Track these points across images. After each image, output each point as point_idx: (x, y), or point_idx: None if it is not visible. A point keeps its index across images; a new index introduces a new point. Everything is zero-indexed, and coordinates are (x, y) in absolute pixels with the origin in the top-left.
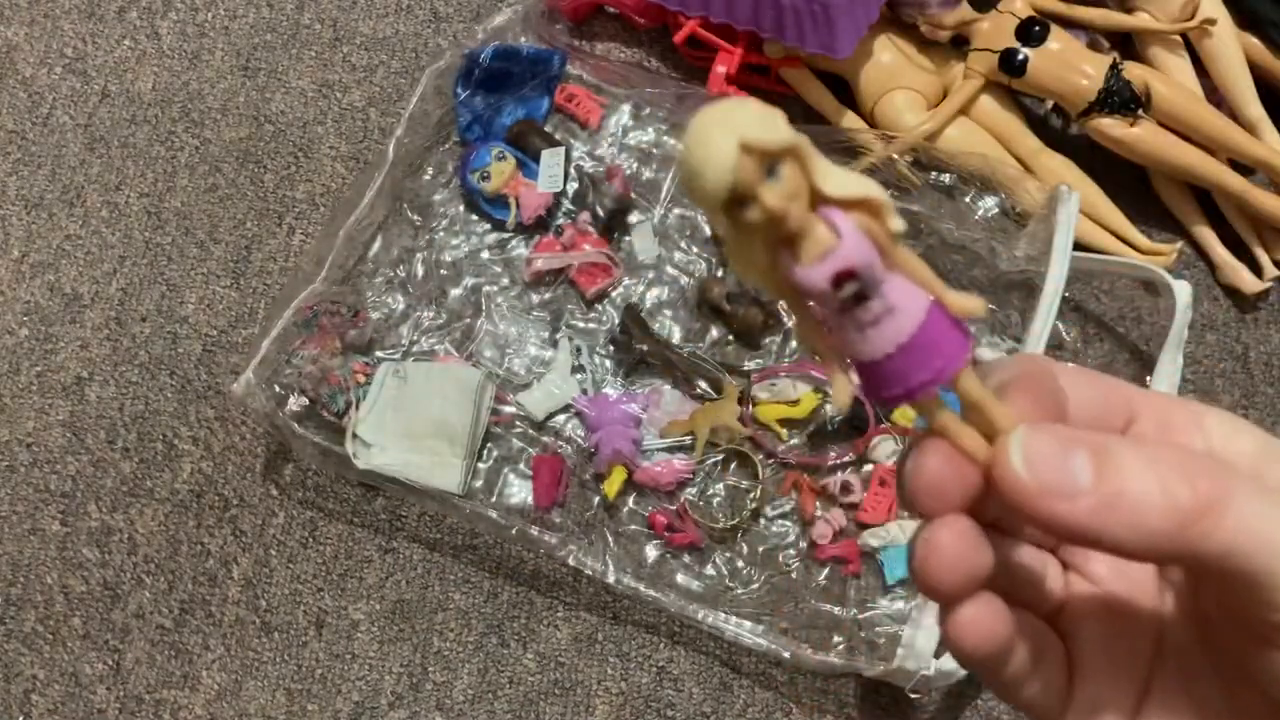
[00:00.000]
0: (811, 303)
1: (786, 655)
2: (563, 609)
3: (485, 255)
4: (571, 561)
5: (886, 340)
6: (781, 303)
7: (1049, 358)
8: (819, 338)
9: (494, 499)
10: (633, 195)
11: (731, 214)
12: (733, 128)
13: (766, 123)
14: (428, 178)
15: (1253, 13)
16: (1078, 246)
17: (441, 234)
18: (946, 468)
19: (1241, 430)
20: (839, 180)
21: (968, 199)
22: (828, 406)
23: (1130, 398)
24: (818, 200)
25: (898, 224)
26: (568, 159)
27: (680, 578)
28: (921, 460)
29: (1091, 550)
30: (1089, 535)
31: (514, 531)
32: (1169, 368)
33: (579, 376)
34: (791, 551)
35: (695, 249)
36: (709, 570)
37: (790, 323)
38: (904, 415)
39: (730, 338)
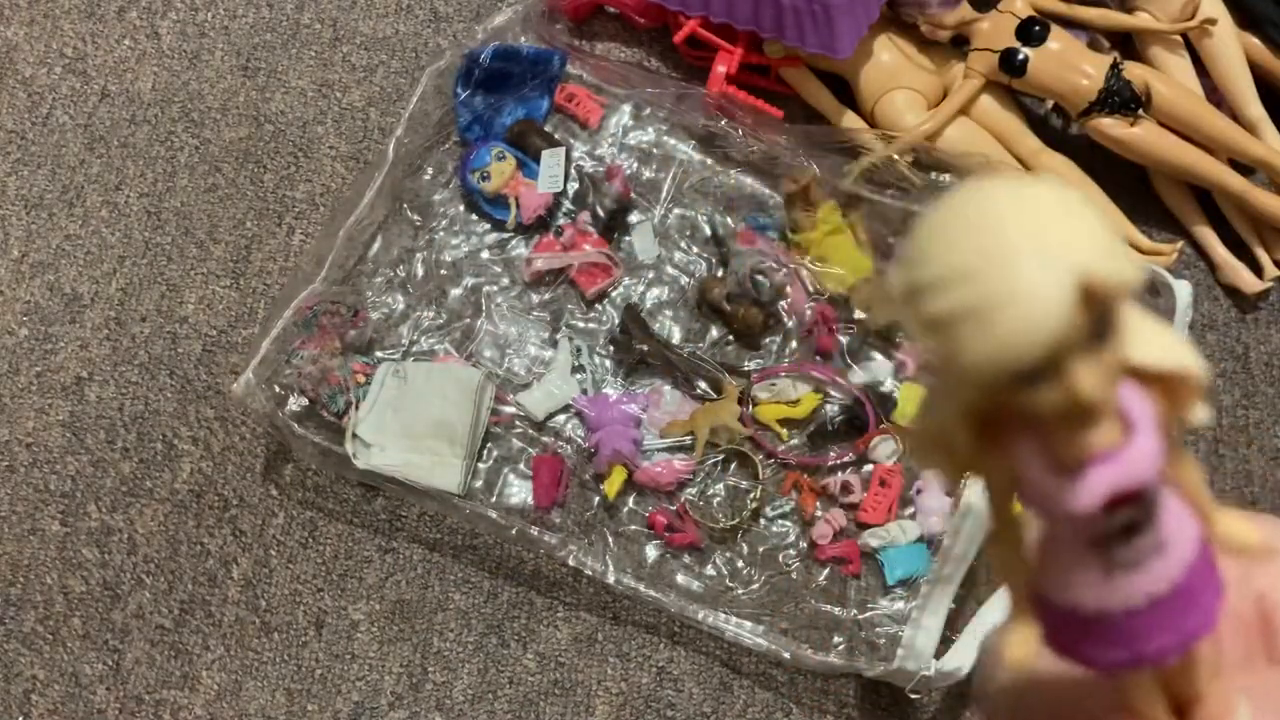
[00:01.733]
0: (1045, 521)
1: (786, 655)
2: (563, 609)
3: (485, 255)
4: (571, 562)
5: (1141, 590)
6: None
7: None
8: (1018, 568)
9: (494, 499)
10: (633, 195)
11: (1001, 398)
12: (1066, 252)
13: (1108, 240)
14: (428, 178)
15: (1252, 12)
16: None
17: (441, 234)
18: None
19: None
20: (1154, 348)
21: None
22: (828, 407)
23: None
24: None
25: (1204, 416)
26: (568, 159)
27: (680, 578)
28: None
29: None
30: None
31: (514, 532)
32: None
33: (579, 376)
34: (792, 552)
35: (695, 249)
36: (709, 570)
37: (793, 337)
38: (902, 414)
39: (730, 338)
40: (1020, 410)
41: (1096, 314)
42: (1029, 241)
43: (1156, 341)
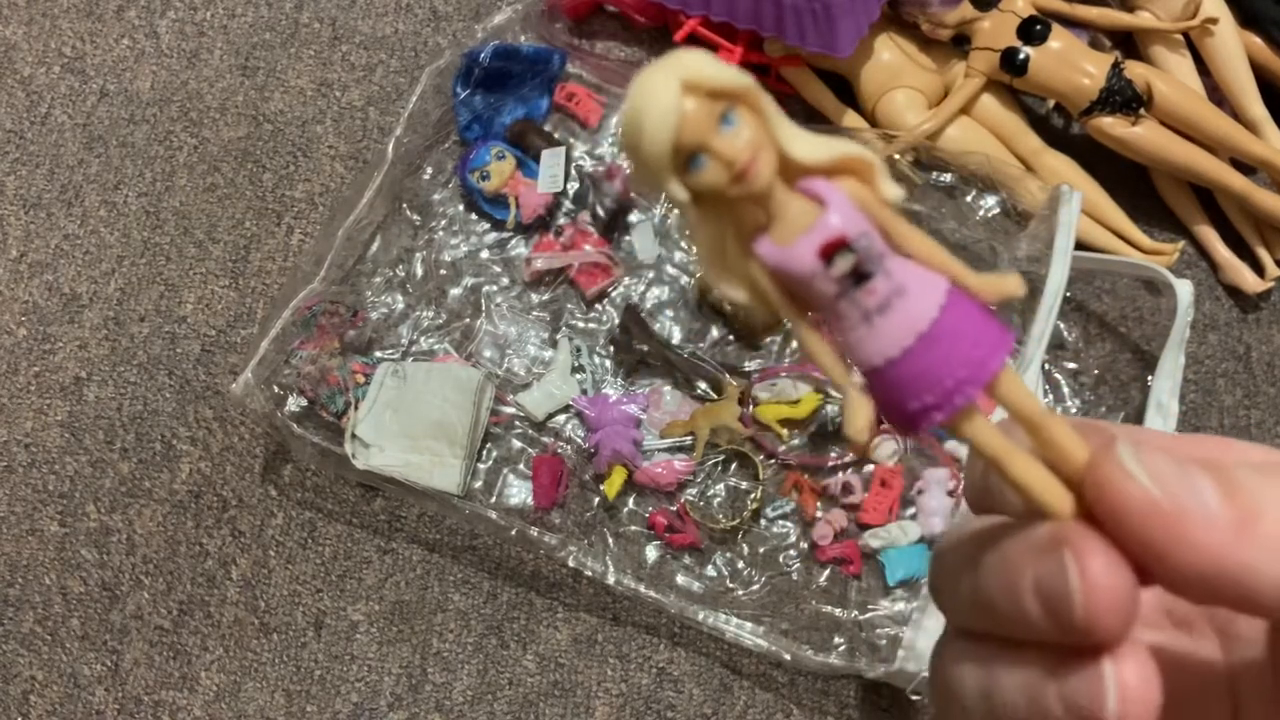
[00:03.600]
0: (806, 301)
1: (787, 657)
2: (562, 610)
3: (485, 255)
4: (571, 562)
5: (902, 329)
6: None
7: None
8: (819, 345)
9: (493, 500)
10: (633, 195)
11: (687, 182)
12: (675, 70)
13: (715, 66)
14: (427, 177)
15: (1254, 11)
16: (1079, 245)
17: (441, 234)
18: (1124, 575)
19: None
20: (809, 143)
21: (969, 199)
22: (829, 407)
23: (1172, 444)
24: (789, 173)
25: (892, 190)
26: (568, 158)
27: (680, 579)
28: (1093, 569)
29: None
30: (1229, 573)
31: (513, 532)
32: (1171, 367)
33: (579, 377)
34: (792, 552)
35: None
36: (709, 571)
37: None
38: None
39: (731, 338)
40: (710, 202)
41: (710, 104)
42: (658, 73)
43: (815, 143)
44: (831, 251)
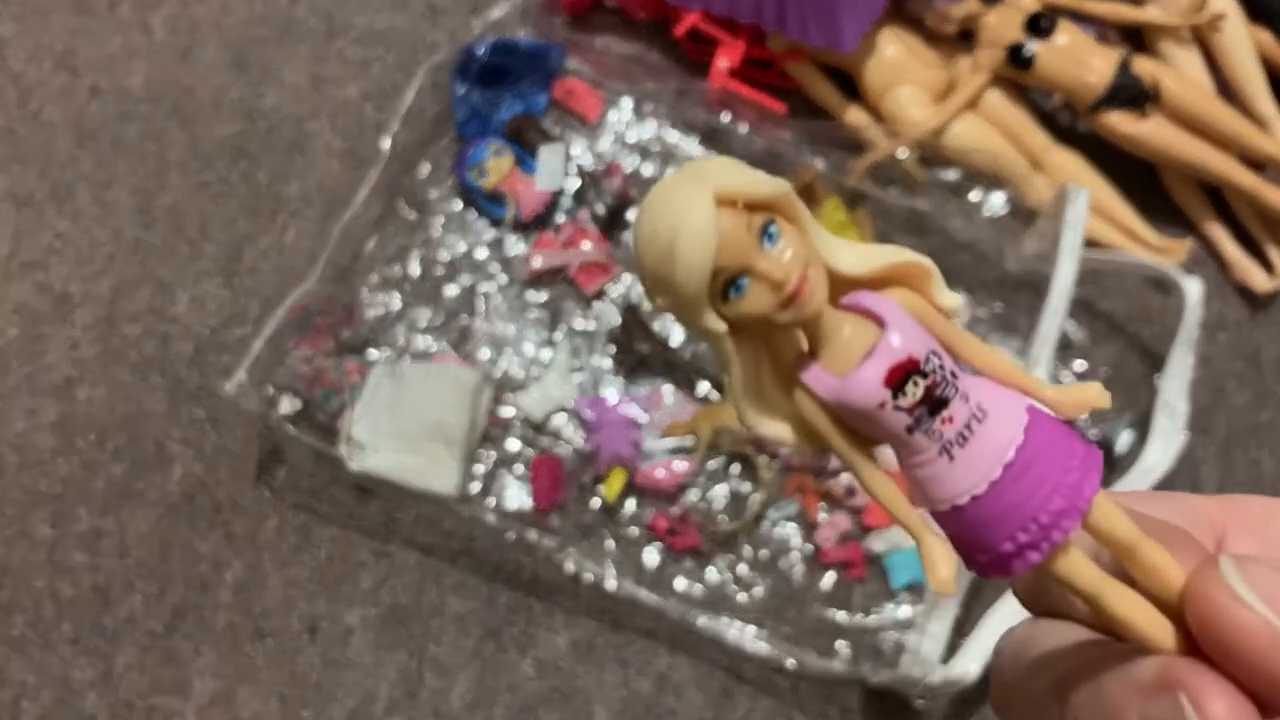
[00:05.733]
0: (867, 434)
1: (790, 662)
2: (562, 614)
3: (483, 253)
4: (571, 566)
5: (986, 460)
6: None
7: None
8: (888, 488)
9: (491, 502)
10: (633, 192)
11: (724, 311)
12: (703, 180)
13: (746, 172)
14: (424, 174)
15: (1263, 6)
16: (1087, 243)
17: (438, 231)
18: (1244, 710)
19: None
20: (855, 254)
21: (975, 196)
22: None
23: (1204, 510)
24: (832, 287)
25: (951, 299)
26: (567, 155)
27: (681, 582)
28: (1215, 713)
29: None
30: None
31: (512, 535)
32: (1180, 367)
33: (578, 377)
34: (795, 556)
35: None
36: (710, 575)
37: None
38: None
39: None
40: (751, 333)
41: (748, 218)
42: (685, 184)
43: (860, 251)
44: (900, 377)
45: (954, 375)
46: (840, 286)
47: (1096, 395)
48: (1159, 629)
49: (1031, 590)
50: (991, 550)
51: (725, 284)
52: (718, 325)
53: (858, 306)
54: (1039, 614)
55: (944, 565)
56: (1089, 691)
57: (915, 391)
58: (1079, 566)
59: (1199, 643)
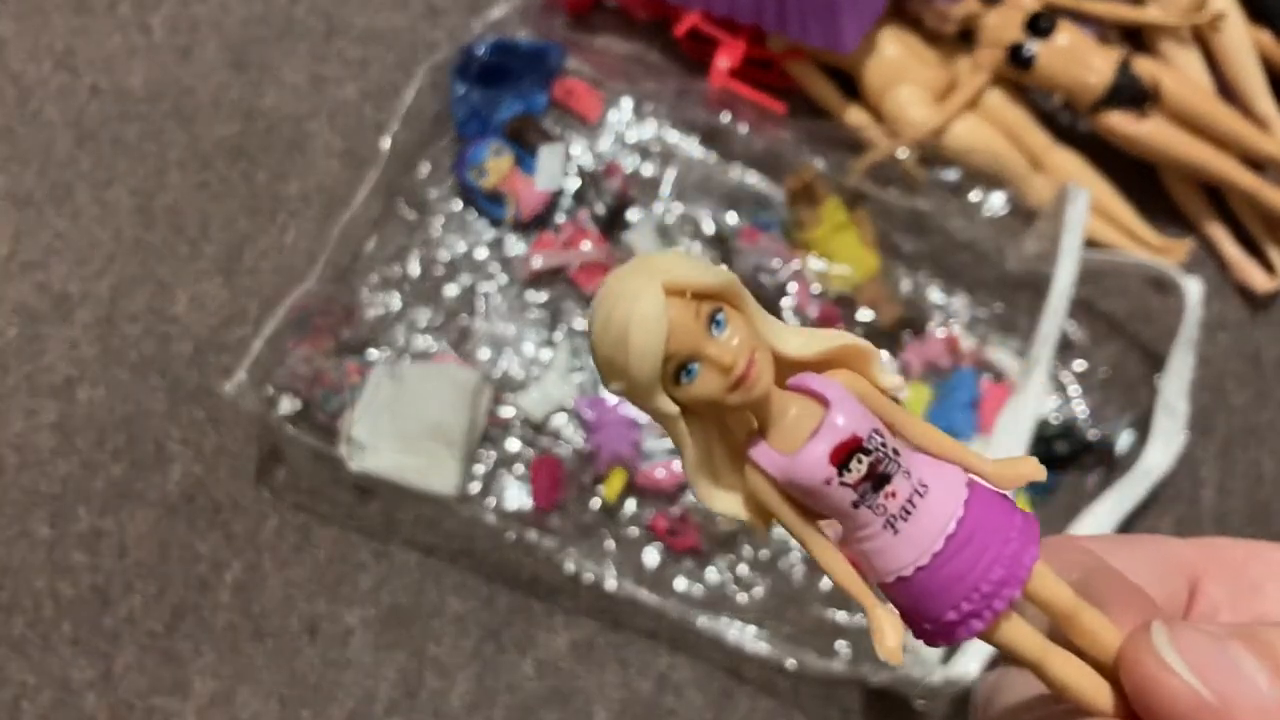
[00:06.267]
0: (814, 510)
1: (790, 662)
2: (562, 614)
3: (482, 253)
4: (571, 566)
5: (929, 533)
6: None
7: (1073, 537)
8: (836, 560)
9: (491, 502)
10: (632, 192)
11: (676, 395)
12: (652, 273)
13: (692, 264)
14: (424, 174)
15: (1263, 6)
16: (1087, 243)
17: (438, 231)
18: None
19: None
20: (798, 338)
21: (975, 196)
22: None
23: (1179, 555)
24: (778, 370)
25: (891, 379)
26: (566, 155)
27: (681, 582)
28: None
29: None
30: None
31: (511, 535)
32: (1180, 367)
33: (578, 377)
34: (795, 555)
35: (698, 247)
36: (711, 575)
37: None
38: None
39: None
40: (702, 416)
41: (696, 306)
42: (634, 276)
43: (801, 336)
44: (844, 455)
45: (896, 453)
46: (786, 369)
47: (1032, 470)
48: (1097, 692)
49: None
50: (936, 619)
51: (676, 369)
52: (670, 408)
53: (803, 387)
54: (1009, 662)
55: (891, 635)
56: None
57: (859, 468)
58: (1020, 634)
59: (1133, 706)
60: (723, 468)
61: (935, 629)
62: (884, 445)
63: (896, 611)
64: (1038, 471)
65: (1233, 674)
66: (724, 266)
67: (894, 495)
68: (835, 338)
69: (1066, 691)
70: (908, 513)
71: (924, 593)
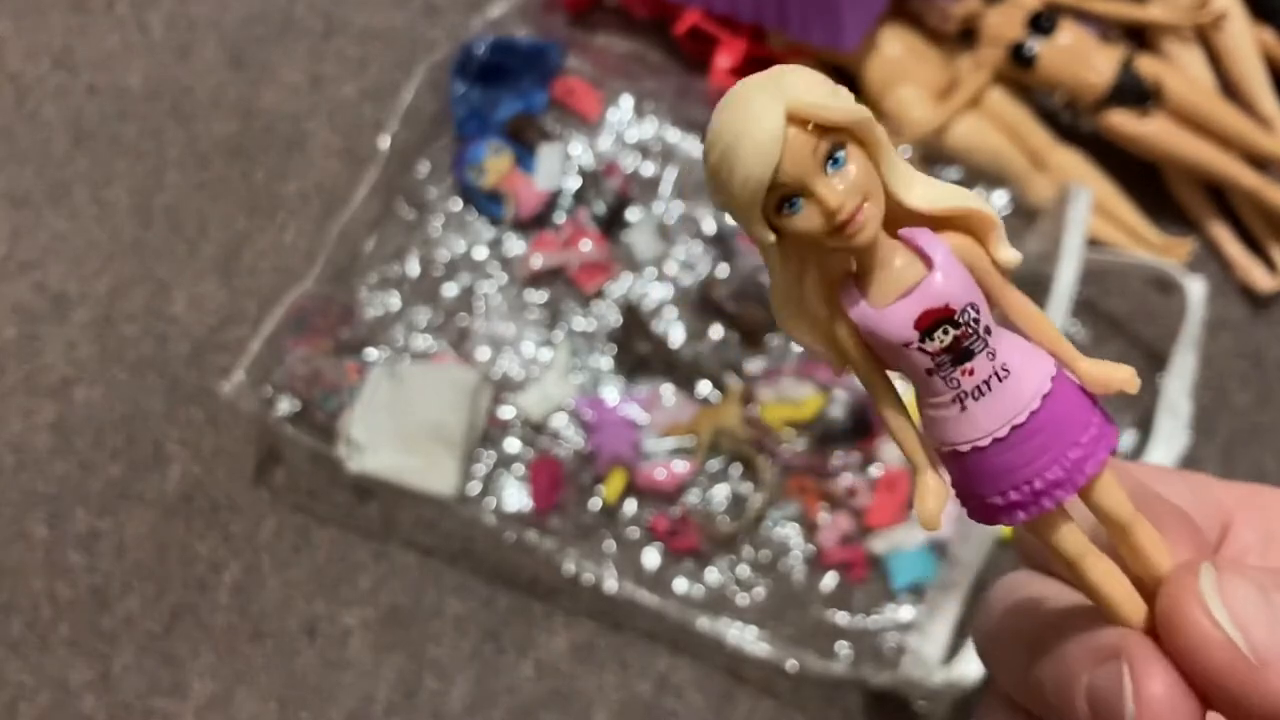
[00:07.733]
0: (891, 363)
1: (791, 663)
2: (561, 615)
3: (482, 252)
4: (570, 567)
5: (996, 417)
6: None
7: (1122, 463)
8: (903, 423)
9: (491, 503)
10: (632, 191)
11: (776, 223)
12: (779, 92)
13: (827, 91)
14: (423, 173)
15: (1266, 5)
16: (1089, 242)
17: (437, 231)
18: (1185, 703)
19: None
20: (927, 189)
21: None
22: (833, 408)
23: (1217, 495)
24: (895, 217)
25: (1010, 254)
26: (566, 154)
27: (681, 584)
28: (1151, 692)
29: None
30: None
31: (511, 536)
32: (1183, 367)
33: (577, 378)
34: (796, 556)
35: (698, 247)
36: (711, 576)
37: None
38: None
39: (733, 338)
40: (798, 248)
41: (816, 139)
42: (760, 93)
43: (933, 189)
44: (931, 322)
45: (988, 331)
46: (903, 218)
47: (1125, 378)
48: (1129, 604)
49: (1024, 542)
50: (981, 500)
51: (781, 199)
52: (767, 235)
53: (913, 242)
54: (1030, 566)
55: (932, 501)
56: (1052, 648)
57: (943, 339)
58: (1064, 532)
59: (1162, 639)
60: (809, 301)
61: (977, 507)
62: (976, 321)
63: (948, 477)
64: (1130, 381)
65: (1275, 633)
66: (857, 101)
67: (971, 373)
68: (962, 197)
69: (1098, 595)
70: (980, 393)
71: (977, 471)
